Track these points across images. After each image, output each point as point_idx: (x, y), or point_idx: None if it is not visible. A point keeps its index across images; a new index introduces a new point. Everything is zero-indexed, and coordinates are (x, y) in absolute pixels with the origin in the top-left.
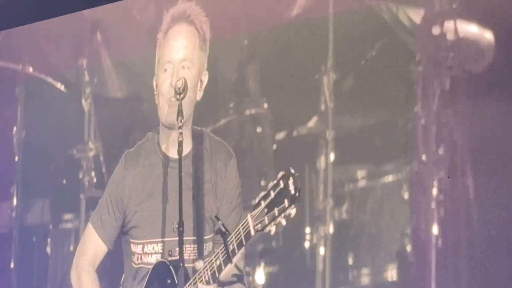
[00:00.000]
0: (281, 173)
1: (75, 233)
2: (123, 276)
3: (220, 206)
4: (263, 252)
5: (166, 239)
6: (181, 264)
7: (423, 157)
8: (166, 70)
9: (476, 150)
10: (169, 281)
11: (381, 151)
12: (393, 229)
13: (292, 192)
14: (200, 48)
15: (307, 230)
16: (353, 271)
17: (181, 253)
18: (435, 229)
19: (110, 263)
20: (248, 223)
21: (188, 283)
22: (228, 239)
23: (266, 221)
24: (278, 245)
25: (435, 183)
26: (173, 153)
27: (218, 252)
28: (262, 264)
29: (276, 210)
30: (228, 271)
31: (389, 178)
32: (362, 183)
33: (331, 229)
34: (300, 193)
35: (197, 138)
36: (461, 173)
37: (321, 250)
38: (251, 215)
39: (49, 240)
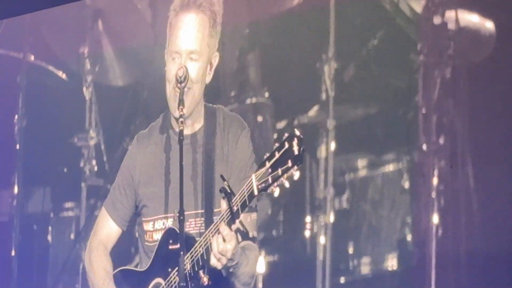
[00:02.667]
0: (286, 135)
1: (76, 222)
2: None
3: (230, 176)
4: (263, 241)
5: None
6: (181, 253)
7: (424, 147)
8: (174, 59)
9: (476, 140)
10: (177, 246)
11: (381, 141)
12: (393, 218)
13: (296, 153)
14: (210, 36)
15: (308, 219)
16: (353, 260)
17: (181, 242)
18: (435, 218)
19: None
20: (252, 182)
21: (190, 251)
22: (233, 200)
23: (270, 181)
24: (278, 234)
25: (436, 172)
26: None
27: (223, 214)
28: (263, 253)
29: (279, 170)
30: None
31: (390, 167)
32: (362, 173)
33: (331, 218)
34: (304, 154)
35: (210, 114)
36: (462, 162)
37: (322, 239)
38: (255, 175)
39: (50, 228)
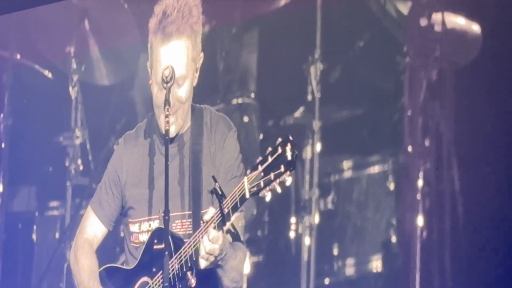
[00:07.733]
0: (279, 139)
1: (61, 221)
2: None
3: (216, 177)
4: (248, 241)
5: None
6: (166, 253)
7: (409, 149)
8: (161, 89)
9: (462, 142)
10: (162, 246)
11: (367, 142)
12: (378, 220)
13: (289, 158)
14: (193, 48)
15: (293, 220)
16: (338, 262)
17: (167, 243)
18: (420, 220)
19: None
20: (244, 185)
21: (179, 252)
22: (224, 203)
23: (262, 185)
24: (263, 234)
25: (421, 174)
26: (170, 133)
27: (214, 216)
28: (247, 254)
29: (272, 175)
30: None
31: (375, 169)
32: (348, 174)
33: (316, 219)
34: (297, 159)
35: (197, 115)
36: (447, 165)
37: (306, 240)
38: (247, 178)
39: (34, 227)
